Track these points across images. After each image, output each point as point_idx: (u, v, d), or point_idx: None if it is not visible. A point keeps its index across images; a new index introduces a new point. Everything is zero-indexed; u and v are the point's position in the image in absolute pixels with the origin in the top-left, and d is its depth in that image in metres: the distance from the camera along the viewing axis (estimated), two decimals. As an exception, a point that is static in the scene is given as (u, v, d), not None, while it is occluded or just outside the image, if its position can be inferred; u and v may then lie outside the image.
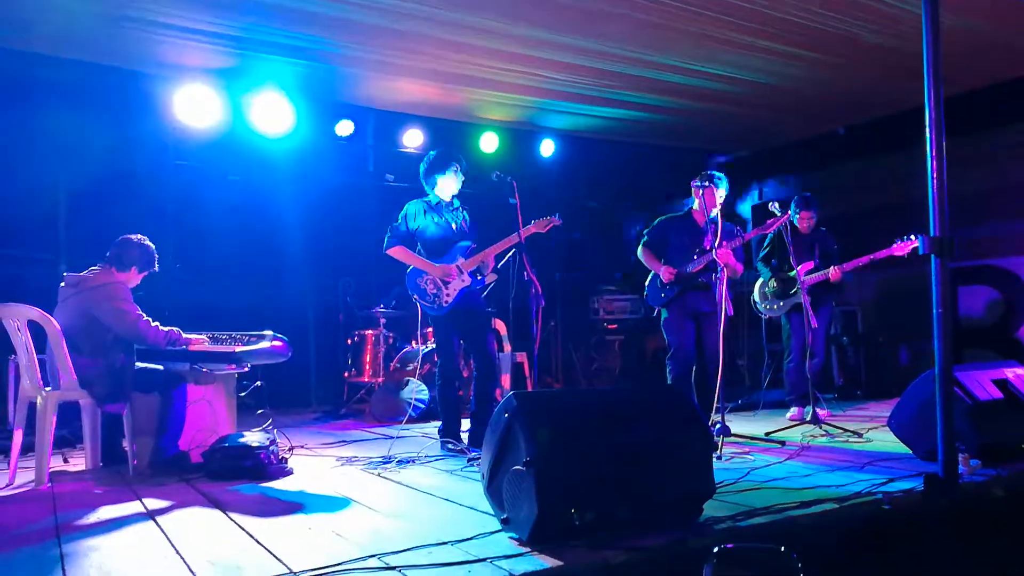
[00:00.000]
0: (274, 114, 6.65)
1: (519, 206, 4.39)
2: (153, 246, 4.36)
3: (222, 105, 6.55)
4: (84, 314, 4.03)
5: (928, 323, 3.12)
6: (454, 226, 4.81)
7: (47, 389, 3.99)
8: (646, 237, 5.22)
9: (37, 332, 4.01)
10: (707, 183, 4.90)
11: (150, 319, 4.09)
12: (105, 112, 6.22)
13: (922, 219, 3.15)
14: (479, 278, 4.77)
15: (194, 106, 6.42)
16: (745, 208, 9.48)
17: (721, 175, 5.01)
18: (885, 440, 4.37)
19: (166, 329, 4.12)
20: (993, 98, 6.93)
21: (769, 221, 5.05)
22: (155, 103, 6.37)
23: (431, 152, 4.90)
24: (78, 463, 4.40)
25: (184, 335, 4.20)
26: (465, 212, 4.93)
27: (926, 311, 3.19)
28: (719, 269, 4.65)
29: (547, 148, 8.26)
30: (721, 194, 4.95)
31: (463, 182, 4.88)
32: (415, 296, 4.78)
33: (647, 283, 5.22)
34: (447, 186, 4.80)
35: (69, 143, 6.19)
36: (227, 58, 5.97)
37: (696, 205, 5.00)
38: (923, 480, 3.07)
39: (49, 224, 6.56)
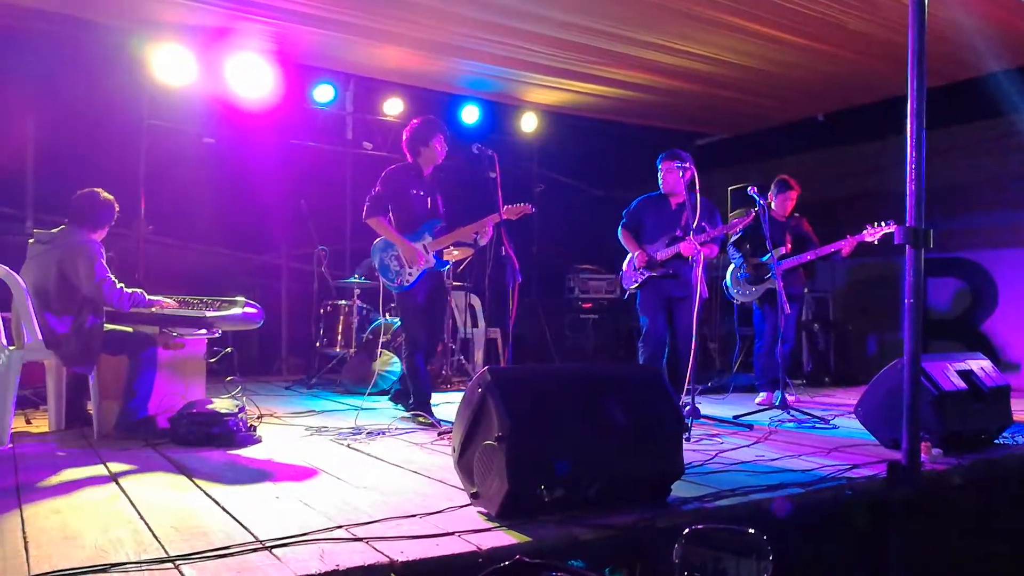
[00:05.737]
0: (251, 76, 6.52)
1: (499, 181, 4.34)
2: (113, 200, 4.20)
3: (199, 65, 6.41)
4: (56, 271, 3.94)
5: (896, 313, 3.16)
6: (429, 202, 4.77)
7: (11, 348, 3.91)
8: (624, 218, 5.24)
9: (1, 289, 3.92)
10: (662, 161, 4.98)
11: (115, 280, 4.01)
12: (78, 66, 6.04)
13: (896, 209, 3.16)
14: (443, 259, 4.75)
15: (170, 64, 6.28)
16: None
17: (682, 154, 4.97)
18: (851, 427, 4.44)
19: (130, 291, 4.03)
20: (971, 92, 6.99)
21: (734, 221, 5.13)
22: (130, 60, 6.21)
23: (416, 119, 4.83)
24: (41, 424, 4.34)
25: (150, 298, 4.13)
26: (438, 188, 4.86)
27: (895, 301, 3.22)
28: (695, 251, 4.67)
29: (529, 123, 8.19)
30: (678, 175, 4.93)
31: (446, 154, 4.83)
32: (378, 271, 4.76)
33: (624, 264, 5.23)
34: (430, 156, 4.74)
35: (40, 96, 6.01)
36: (205, 16, 5.82)
37: (660, 184, 5.07)
38: (887, 468, 3.12)
39: (17, 178, 6.40)
